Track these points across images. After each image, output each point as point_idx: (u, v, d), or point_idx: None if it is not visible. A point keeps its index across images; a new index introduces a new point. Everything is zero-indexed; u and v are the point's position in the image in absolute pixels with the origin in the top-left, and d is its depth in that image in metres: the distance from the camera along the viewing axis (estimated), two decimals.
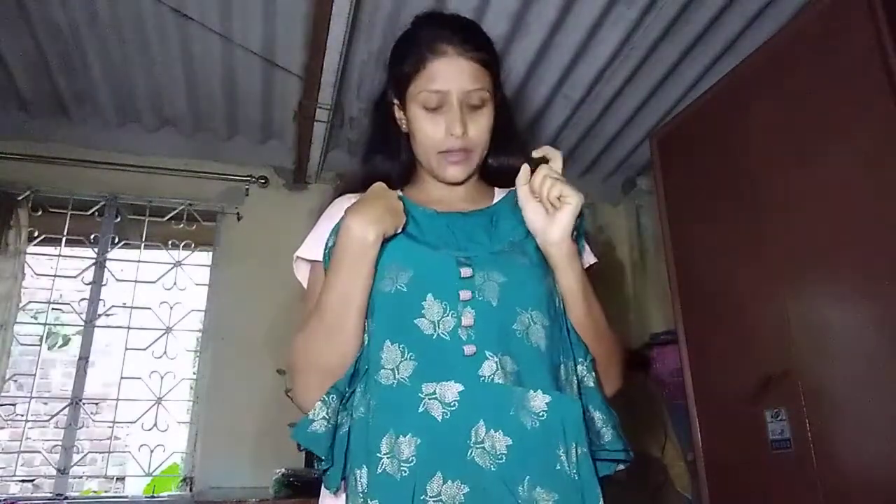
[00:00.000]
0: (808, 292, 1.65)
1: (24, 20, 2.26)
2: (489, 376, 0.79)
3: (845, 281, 1.55)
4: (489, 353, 0.80)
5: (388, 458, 0.75)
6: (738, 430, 1.83)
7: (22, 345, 2.90)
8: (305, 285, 0.99)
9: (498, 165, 1.03)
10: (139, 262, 2.92)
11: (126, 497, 2.96)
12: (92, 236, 2.86)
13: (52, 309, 3.06)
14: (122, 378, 2.76)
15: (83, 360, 2.73)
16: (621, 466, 0.87)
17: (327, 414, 0.80)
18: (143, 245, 2.93)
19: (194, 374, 2.93)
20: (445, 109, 0.92)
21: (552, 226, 0.88)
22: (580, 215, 0.92)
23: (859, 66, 1.52)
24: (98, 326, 2.79)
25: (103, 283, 2.82)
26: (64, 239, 2.85)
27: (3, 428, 3.42)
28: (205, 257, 3.02)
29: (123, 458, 3.41)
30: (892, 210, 1.43)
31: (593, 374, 0.87)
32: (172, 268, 2.95)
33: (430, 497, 0.73)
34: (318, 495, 0.88)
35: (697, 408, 2.00)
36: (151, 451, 2.72)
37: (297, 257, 0.98)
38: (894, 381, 1.41)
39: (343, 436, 0.81)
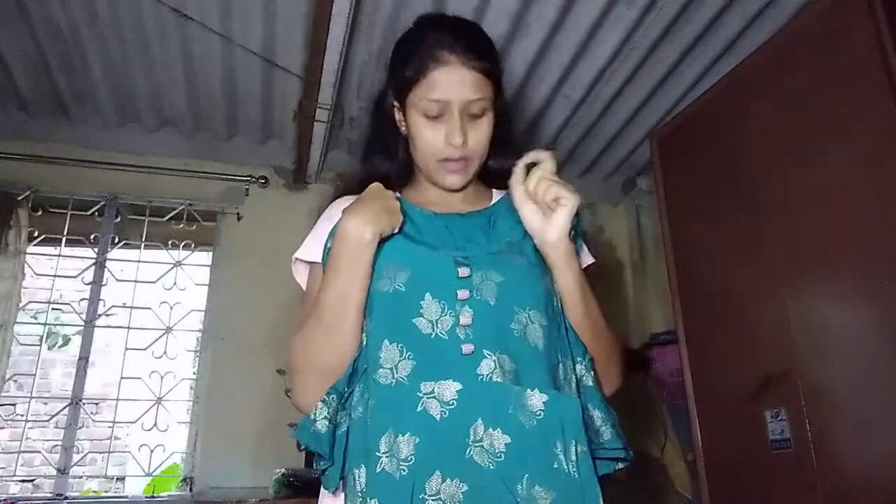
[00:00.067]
0: (808, 292, 1.65)
1: (24, 20, 2.26)
2: (487, 375, 0.79)
3: (845, 281, 1.55)
4: (487, 352, 0.80)
5: (386, 457, 0.76)
6: (738, 430, 1.83)
7: (22, 345, 2.90)
8: (304, 286, 0.99)
9: (497, 167, 1.03)
10: (139, 262, 2.92)
11: (126, 497, 2.96)
12: (92, 236, 2.86)
13: (52, 309, 3.06)
14: (122, 378, 2.75)
15: (83, 360, 2.73)
16: (620, 465, 0.87)
17: (328, 414, 0.80)
18: (143, 245, 2.93)
19: (194, 374, 2.93)
20: (446, 118, 0.91)
21: (549, 227, 0.88)
22: (577, 215, 0.92)
23: (859, 66, 1.52)
24: (98, 326, 2.79)
25: (103, 283, 2.82)
26: (64, 239, 2.85)
27: (3, 428, 3.42)
28: (205, 257, 3.02)
29: (123, 458, 3.41)
30: (892, 210, 1.43)
31: (592, 373, 0.88)
32: (172, 268, 2.95)
33: (429, 496, 0.73)
34: (318, 495, 0.88)
35: (697, 408, 2.00)
36: (151, 451, 2.72)
37: (296, 259, 0.99)
38: (894, 381, 1.41)
39: (342, 435, 0.81)
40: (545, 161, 0.91)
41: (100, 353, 3.28)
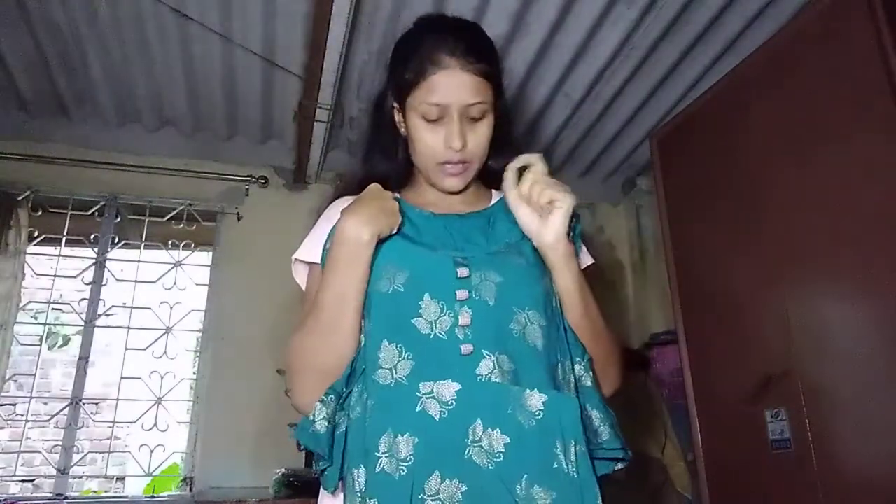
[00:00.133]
0: (808, 292, 1.65)
1: (24, 20, 2.26)
2: (486, 375, 0.79)
3: (845, 281, 1.55)
4: (486, 353, 0.80)
5: (386, 457, 0.76)
6: (738, 430, 1.83)
7: (22, 345, 2.90)
8: (304, 287, 0.99)
9: (496, 168, 1.03)
10: (139, 262, 2.92)
11: (126, 497, 2.96)
12: (92, 236, 2.86)
13: (52, 309, 3.06)
14: (122, 378, 2.76)
15: (83, 360, 2.73)
16: (619, 466, 0.87)
17: (327, 414, 0.81)
18: (143, 245, 2.93)
19: (194, 374, 2.93)
20: (445, 121, 0.91)
21: (546, 229, 0.88)
22: (576, 216, 0.93)
23: (859, 66, 1.52)
24: (98, 326, 2.79)
25: (103, 283, 2.82)
26: (64, 239, 2.85)
27: (3, 428, 3.42)
28: (205, 257, 3.02)
29: (123, 458, 3.42)
30: (891, 210, 1.43)
31: (591, 373, 0.88)
32: (172, 268, 2.95)
33: (429, 496, 0.73)
34: (318, 495, 0.88)
35: (697, 408, 2.00)
36: (151, 451, 2.72)
37: (295, 259, 0.99)
38: (894, 381, 1.41)
39: (340, 436, 0.81)
40: (536, 163, 0.91)
41: (100, 353, 3.28)
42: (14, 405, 3.50)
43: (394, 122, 1.00)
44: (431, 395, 0.78)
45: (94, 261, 2.84)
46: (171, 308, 2.87)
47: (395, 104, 0.98)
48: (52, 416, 2.89)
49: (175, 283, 2.91)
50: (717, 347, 1.94)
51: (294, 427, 0.84)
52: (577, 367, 0.87)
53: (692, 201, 2.11)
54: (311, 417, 0.81)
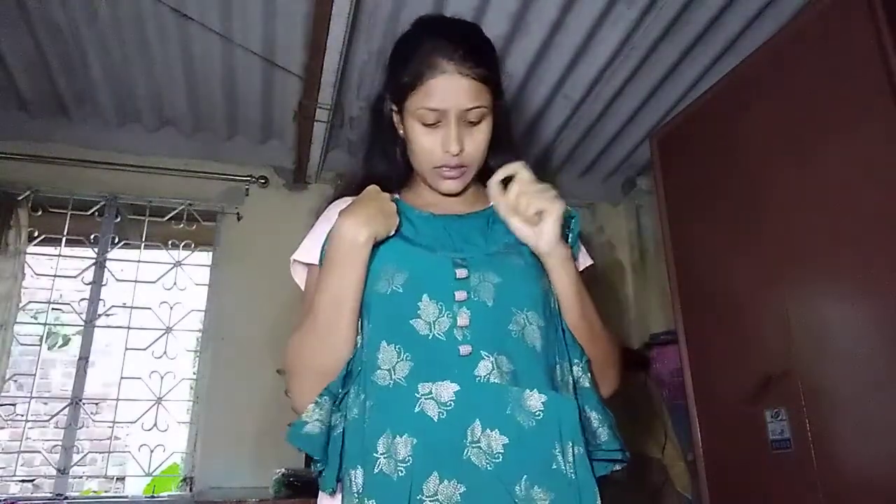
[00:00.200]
0: (808, 292, 1.65)
1: (24, 20, 2.26)
2: (485, 376, 0.79)
3: (845, 281, 1.55)
4: (485, 353, 0.80)
5: (384, 458, 0.76)
6: (738, 430, 1.83)
7: (22, 345, 2.90)
8: (303, 287, 0.99)
9: (496, 168, 1.02)
10: (139, 262, 2.92)
11: (126, 497, 2.96)
12: (92, 236, 2.86)
13: (52, 309, 3.07)
14: (122, 378, 2.76)
15: (83, 360, 2.73)
16: (618, 467, 0.87)
17: (321, 415, 0.81)
18: (143, 245, 2.93)
19: (194, 374, 2.93)
20: (442, 125, 0.90)
21: (539, 238, 0.87)
22: (574, 217, 0.93)
23: (859, 66, 1.51)
24: (98, 326, 2.79)
25: (103, 283, 2.82)
26: (64, 239, 2.85)
27: (3, 428, 3.43)
28: (205, 257, 3.02)
29: (123, 458, 3.42)
30: (892, 210, 1.43)
31: (589, 374, 0.88)
32: (172, 268, 2.95)
33: (427, 497, 0.73)
34: (317, 495, 0.88)
35: (697, 408, 2.00)
36: (151, 451, 2.72)
37: (294, 260, 0.98)
38: (894, 381, 1.41)
39: (337, 437, 0.81)
40: (520, 172, 0.89)
41: (100, 353, 3.28)
42: (14, 405, 3.50)
43: (393, 124, 0.99)
44: (430, 396, 0.77)
45: (94, 261, 2.84)
46: (171, 308, 2.87)
47: (393, 106, 0.98)
48: (52, 416, 2.89)
49: (175, 283, 2.91)
50: (717, 347, 1.94)
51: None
52: (575, 368, 0.87)
53: (692, 201, 2.11)
54: (304, 418, 0.81)
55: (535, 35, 2.36)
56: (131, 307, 2.85)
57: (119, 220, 2.90)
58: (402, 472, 0.74)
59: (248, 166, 3.07)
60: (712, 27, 2.36)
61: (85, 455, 3.17)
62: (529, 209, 0.87)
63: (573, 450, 0.77)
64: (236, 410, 2.71)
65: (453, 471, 0.74)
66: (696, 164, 2.10)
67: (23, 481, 3.49)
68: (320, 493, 0.86)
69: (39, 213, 2.80)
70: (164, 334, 2.84)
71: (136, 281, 2.88)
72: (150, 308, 2.86)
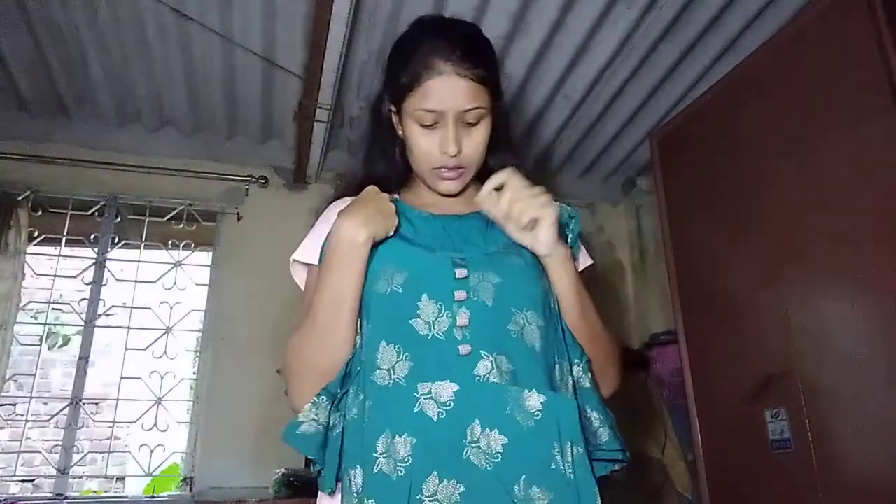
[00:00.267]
0: (808, 292, 1.65)
1: (24, 20, 2.26)
2: (484, 376, 0.79)
3: (845, 281, 1.54)
4: (484, 353, 0.80)
5: (384, 457, 0.76)
6: (738, 430, 1.83)
7: (22, 345, 2.90)
8: (303, 288, 0.99)
9: (496, 167, 1.02)
10: (139, 262, 2.92)
11: (126, 497, 2.96)
12: (92, 236, 2.86)
13: (52, 309, 3.07)
14: (122, 378, 2.75)
15: (83, 360, 2.73)
16: (618, 467, 0.87)
17: (317, 415, 0.81)
18: (143, 245, 2.93)
19: (194, 374, 2.93)
20: (440, 126, 0.90)
21: (535, 242, 0.87)
22: (573, 217, 0.93)
23: (859, 66, 1.51)
24: (98, 326, 2.79)
25: (103, 283, 2.82)
26: (64, 239, 2.85)
27: (3, 428, 3.43)
28: (205, 257, 3.02)
29: (123, 458, 3.42)
30: (892, 210, 1.43)
31: (589, 374, 0.88)
32: (172, 268, 2.95)
33: (427, 497, 0.73)
34: (317, 495, 0.88)
35: (697, 408, 2.00)
36: (151, 451, 2.72)
37: (294, 260, 0.98)
38: (894, 382, 1.41)
39: (336, 437, 0.81)
40: (509, 179, 0.88)
41: (100, 353, 3.28)
42: (14, 405, 3.50)
43: (392, 125, 0.99)
44: (430, 396, 0.77)
45: (94, 261, 2.84)
46: (171, 308, 2.87)
47: (392, 107, 0.97)
48: (52, 416, 2.89)
49: (175, 283, 2.91)
50: (717, 347, 1.94)
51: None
52: (575, 368, 0.87)
53: (692, 201, 2.11)
54: (300, 418, 0.81)
55: (535, 35, 2.36)
56: (131, 307, 2.85)
57: (119, 220, 2.90)
58: (401, 471, 0.74)
59: (248, 166, 3.07)
60: (712, 27, 2.36)
61: (85, 455, 3.17)
62: (523, 217, 0.86)
63: (573, 450, 0.77)
64: (236, 410, 2.71)
65: (453, 470, 0.74)
66: (696, 164, 2.10)
67: (23, 481, 3.49)
68: (319, 492, 0.86)
69: (39, 213, 2.80)
70: (164, 334, 2.84)
71: (136, 281, 2.88)
72: (150, 308, 2.86)
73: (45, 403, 3.79)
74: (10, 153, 2.76)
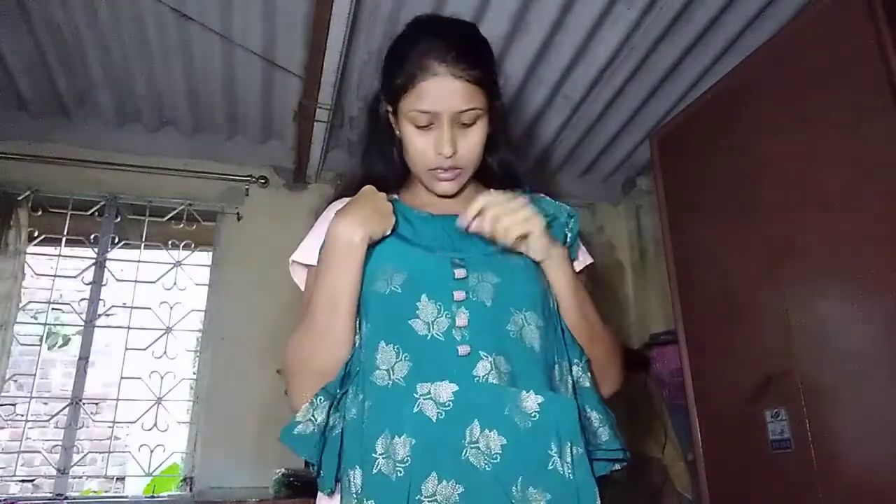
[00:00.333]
0: (808, 292, 1.65)
1: (24, 20, 2.26)
2: (483, 376, 0.79)
3: (845, 281, 1.54)
4: (483, 354, 0.80)
5: (383, 458, 0.76)
6: (738, 430, 1.83)
7: (22, 345, 2.90)
8: (303, 288, 0.99)
9: (494, 166, 1.02)
10: (139, 262, 2.92)
11: (126, 497, 2.97)
12: (92, 236, 2.86)
13: (52, 309, 3.07)
14: (122, 378, 2.75)
15: (83, 360, 2.73)
16: (618, 466, 0.87)
17: (314, 416, 0.81)
18: (143, 245, 2.93)
19: (194, 374, 2.93)
20: (435, 127, 0.90)
21: (529, 251, 0.87)
22: (572, 217, 0.93)
23: (859, 66, 1.51)
24: (98, 326, 2.79)
25: (103, 283, 2.82)
26: (64, 239, 2.85)
27: (3, 428, 3.43)
28: (205, 257, 3.02)
29: (123, 458, 3.42)
30: (892, 210, 1.43)
31: (589, 374, 0.87)
32: (172, 268, 2.95)
33: (426, 497, 0.73)
34: (317, 496, 0.88)
35: (697, 408, 2.00)
36: (151, 451, 2.72)
37: (293, 261, 0.98)
38: (894, 382, 1.41)
39: (336, 437, 0.81)
40: (486, 204, 0.86)
41: (100, 353, 3.28)
42: (14, 405, 3.50)
43: (389, 125, 0.99)
44: (429, 397, 0.77)
45: (94, 261, 2.84)
46: (171, 308, 2.87)
47: (389, 107, 0.97)
48: (52, 416, 2.89)
49: (175, 283, 2.91)
50: (717, 347, 1.94)
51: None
52: (574, 368, 0.87)
53: (692, 201, 2.11)
54: (297, 419, 0.80)
55: (535, 35, 2.36)
56: (131, 307, 2.85)
57: (119, 220, 2.90)
58: (400, 472, 0.74)
59: (248, 166, 3.07)
60: (712, 27, 2.36)
61: (85, 455, 3.17)
62: (509, 237, 0.85)
63: (572, 450, 0.77)
64: (236, 410, 2.71)
65: (452, 471, 0.74)
66: (696, 164, 2.10)
67: (23, 481, 3.49)
68: (319, 493, 0.86)
69: (39, 213, 2.80)
70: (164, 334, 2.84)
71: (136, 281, 2.88)
72: (150, 308, 2.86)
73: (45, 403, 3.79)
74: (10, 153, 2.75)
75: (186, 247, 2.96)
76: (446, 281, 0.84)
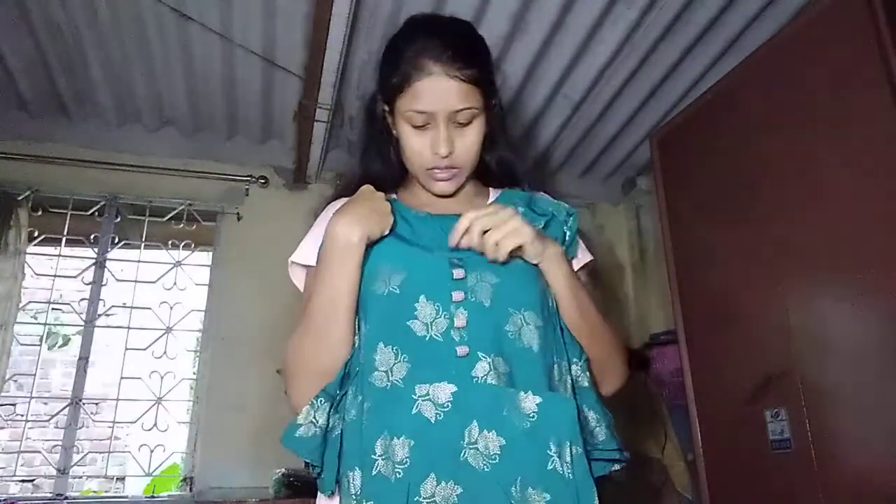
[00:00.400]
0: (808, 292, 1.65)
1: (24, 20, 2.26)
2: (482, 377, 0.78)
3: (845, 281, 1.55)
4: (482, 354, 0.80)
5: (382, 459, 0.75)
6: (738, 430, 1.83)
7: (22, 345, 2.90)
8: (302, 289, 0.98)
9: (493, 164, 1.02)
10: (139, 262, 2.92)
11: (126, 497, 2.97)
12: (92, 236, 2.86)
13: (52, 309, 3.06)
14: (122, 378, 2.75)
15: (83, 360, 2.73)
16: (616, 467, 0.87)
17: (315, 417, 0.80)
18: (143, 245, 2.93)
19: (194, 374, 2.93)
20: (431, 127, 0.90)
21: (525, 256, 0.87)
22: (571, 215, 0.93)
23: (859, 66, 1.51)
24: (98, 326, 2.79)
25: (103, 283, 2.82)
26: (64, 239, 2.85)
27: (3, 428, 3.42)
28: (205, 257, 3.02)
29: (123, 458, 3.42)
30: (892, 210, 1.43)
31: (587, 373, 0.87)
32: (172, 268, 2.95)
33: (425, 498, 0.73)
34: (317, 496, 0.88)
35: (697, 408, 2.00)
36: (151, 451, 2.72)
37: (293, 262, 0.98)
38: (894, 381, 1.41)
39: (335, 438, 0.81)
40: (471, 223, 0.83)
41: (100, 353, 3.27)
42: (14, 405, 3.50)
43: (386, 124, 0.99)
44: (427, 398, 0.77)
45: (94, 261, 2.84)
46: (171, 308, 2.87)
47: (385, 107, 0.97)
48: (52, 416, 2.88)
49: (175, 283, 2.91)
50: (717, 347, 1.94)
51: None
52: (573, 367, 0.87)
53: (692, 201, 2.11)
54: (298, 420, 0.80)
55: (535, 35, 2.36)
56: (131, 307, 2.85)
57: (119, 220, 2.90)
58: (399, 473, 0.74)
59: (248, 166, 3.07)
60: (712, 27, 2.36)
61: (85, 455, 3.17)
62: (500, 253, 0.83)
63: (571, 450, 0.76)
64: (236, 410, 2.70)
65: (451, 472, 0.74)
66: (696, 164, 2.10)
67: (23, 481, 3.49)
68: (319, 494, 0.86)
69: (39, 213, 2.80)
70: (164, 334, 2.84)
71: (136, 281, 2.88)
72: (150, 308, 2.86)
73: (45, 403, 3.79)
74: (10, 153, 2.75)
75: (186, 247, 2.96)
76: (445, 281, 0.84)
